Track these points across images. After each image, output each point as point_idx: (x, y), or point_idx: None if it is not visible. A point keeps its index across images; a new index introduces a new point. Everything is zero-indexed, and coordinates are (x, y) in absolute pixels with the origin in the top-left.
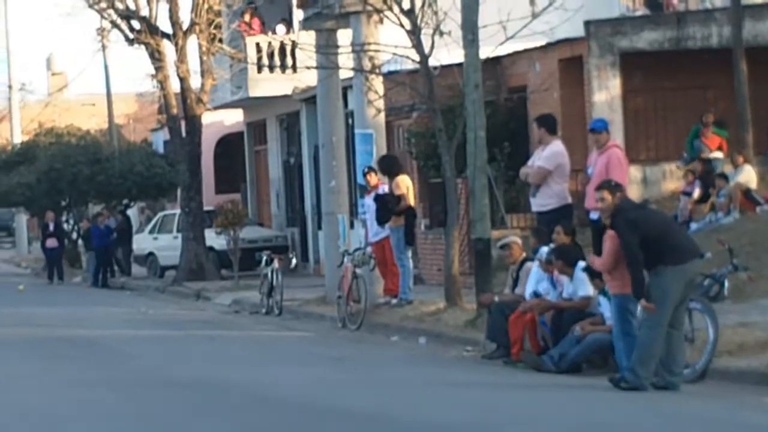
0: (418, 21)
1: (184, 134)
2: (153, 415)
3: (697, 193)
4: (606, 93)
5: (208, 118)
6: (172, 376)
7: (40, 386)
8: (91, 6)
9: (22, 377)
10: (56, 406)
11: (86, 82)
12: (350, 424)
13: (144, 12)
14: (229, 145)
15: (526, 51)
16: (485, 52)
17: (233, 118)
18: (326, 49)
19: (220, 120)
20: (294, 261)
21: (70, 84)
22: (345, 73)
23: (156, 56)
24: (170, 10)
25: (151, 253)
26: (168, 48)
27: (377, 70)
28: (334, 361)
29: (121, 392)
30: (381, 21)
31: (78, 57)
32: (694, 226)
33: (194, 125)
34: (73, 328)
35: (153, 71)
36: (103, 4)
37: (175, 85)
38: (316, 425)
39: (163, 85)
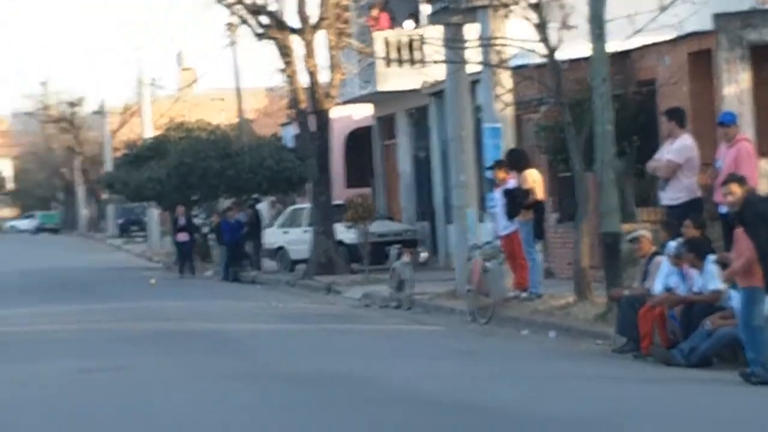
0: (545, 15)
1: (313, 129)
2: (283, 408)
3: None
4: (735, 86)
5: (337, 112)
6: (301, 370)
7: (170, 380)
8: (219, 1)
9: (153, 371)
10: (187, 399)
11: (215, 77)
12: (478, 417)
13: (272, 7)
14: (359, 139)
15: (654, 45)
16: (613, 45)
17: (363, 113)
18: (453, 43)
19: (350, 114)
20: (424, 255)
21: (199, 79)
22: (473, 68)
23: (284, 51)
24: (298, 5)
25: (281, 247)
26: (296, 43)
27: (504, 64)
28: (463, 355)
29: (252, 386)
30: (507, 15)
31: (207, 53)
32: None
33: (323, 120)
34: (204, 322)
35: (282, 66)
36: (232, 0)
37: (303, 80)
38: (443, 419)
39: (291, 80)
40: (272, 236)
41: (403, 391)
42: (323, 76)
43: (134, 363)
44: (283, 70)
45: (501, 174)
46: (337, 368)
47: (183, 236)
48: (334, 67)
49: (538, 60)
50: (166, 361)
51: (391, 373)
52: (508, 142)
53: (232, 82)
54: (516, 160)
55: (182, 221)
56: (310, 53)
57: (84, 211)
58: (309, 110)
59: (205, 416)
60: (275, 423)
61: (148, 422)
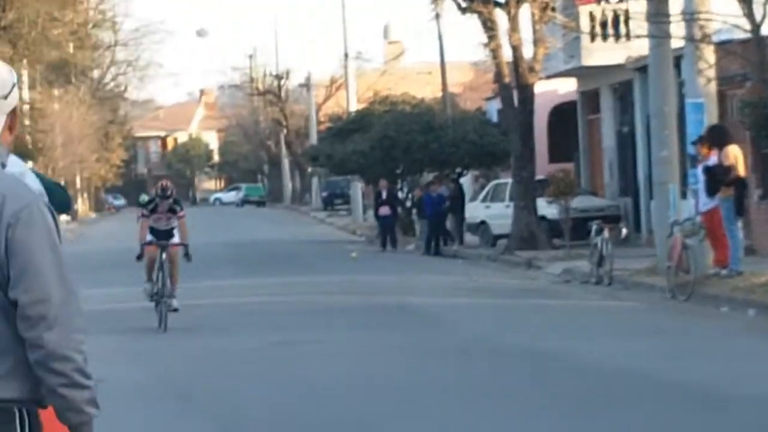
0: None
1: (516, 103)
2: (481, 383)
3: None
4: None
5: (541, 87)
6: (499, 345)
7: (367, 353)
8: None
9: (350, 344)
10: (386, 374)
11: (422, 50)
12: (674, 395)
13: None
14: (563, 114)
15: None
16: None
17: (567, 87)
18: (657, 17)
19: (554, 89)
20: (624, 231)
21: (405, 52)
22: (677, 42)
23: (488, 25)
24: None
25: (483, 222)
26: (500, 17)
27: (708, 39)
28: (661, 332)
29: (450, 361)
30: None
31: (414, 26)
32: None
33: (526, 94)
34: (403, 296)
35: (485, 40)
36: None
37: (507, 54)
38: (637, 396)
39: (495, 54)
40: (474, 210)
41: (595, 366)
42: (527, 51)
43: (332, 336)
44: (486, 44)
45: (704, 149)
46: (533, 343)
47: (385, 210)
48: (537, 41)
49: (743, 35)
50: (363, 334)
51: (587, 349)
52: (711, 117)
53: (439, 55)
54: (717, 136)
55: (384, 195)
56: (514, 27)
57: (289, 184)
58: (512, 85)
59: (402, 389)
60: (474, 397)
61: (343, 394)
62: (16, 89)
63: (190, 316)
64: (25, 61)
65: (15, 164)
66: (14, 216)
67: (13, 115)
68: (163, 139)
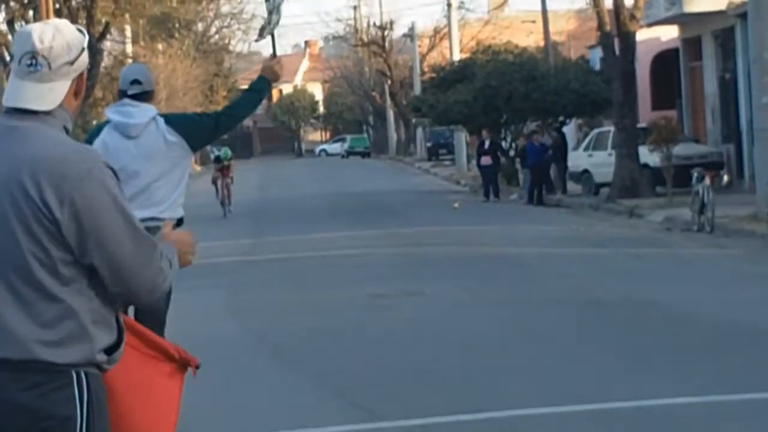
0: None
1: (618, 51)
2: (578, 333)
3: None
4: None
5: (643, 34)
6: (598, 295)
7: (463, 304)
8: None
9: (446, 295)
10: (477, 323)
11: None
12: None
13: None
14: (665, 61)
15: None
16: None
17: (669, 35)
18: None
19: (657, 36)
20: (726, 177)
21: (509, 1)
22: None
23: None
24: None
25: (585, 171)
26: None
27: None
28: (760, 279)
29: (542, 311)
30: None
31: None
32: None
33: (628, 42)
34: (503, 246)
35: None
36: None
37: (609, 2)
38: (738, 344)
39: (596, 1)
40: (577, 159)
41: (694, 315)
42: None
43: (430, 288)
44: None
45: None
46: (633, 293)
47: (487, 160)
48: None
49: None
50: (461, 285)
51: (687, 298)
52: None
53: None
54: None
55: (486, 145)
56: None
57: (393, 135)
58: (614, 33)
59: (498, 340)
60: (571, 348)
61: (438, 345)
62: (85, 53)
63: (288, 269)
64: (127, 15)
65: (147, 111)
66: (77, 178)
67: (80, 79)
68: None
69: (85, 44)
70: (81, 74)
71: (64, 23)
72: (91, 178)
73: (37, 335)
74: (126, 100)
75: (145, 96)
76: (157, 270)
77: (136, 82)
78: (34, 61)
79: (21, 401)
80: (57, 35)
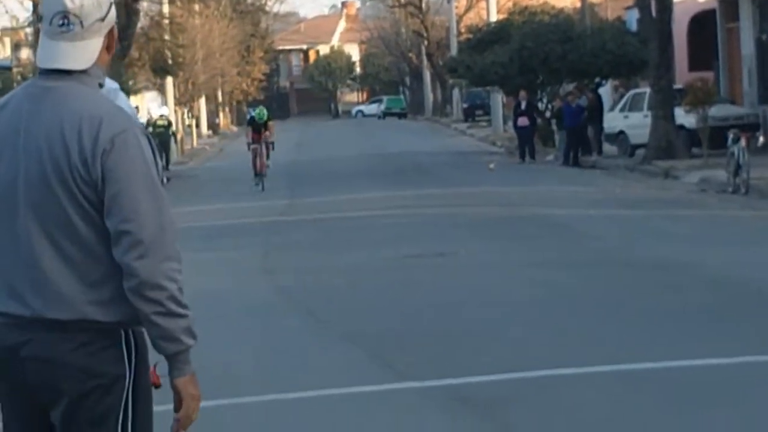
0: None
1: (654, 12)
2: (604, 295)
3: None
4: None
5: None
6: (631, 257)
7: (495, 265)
8: None
9: (478, 256)
10: (510, 284)
11: None
12: None
13: None
14: (702, 22)
15: None
16: None
17: None
18: None
19: None
20: (762, 139)
21: None
22: None
23: None
24: None
25: (621, 132)
26: None
27: None
28: None
29: (575, 272)
30: None
31: None
32: None
33: (664, 3)
34: (538, 207)
35: None
36: None
37: None
38: (761, 307)
39: None
40: (613, 120)
41: (724, 277)
42: None
43: (461, 248)
44: None
45: None
46: (666, 255)
47: (523, 121)
48: None
49: None
50: (492, 246)
51: (721, 260)
52: None
53: None
54: None
55: (523, 105)
56: None
57: (430, 96)
58: None
59: (525, 305)
60: (601, 308)
61: (471, 306)
62: (113, 8)
63: (323, 230)
64: None
65: (107, 82)
66: (110, 141)
67: (111, 35)
68: (305, 52)
69: None
70: (111, 29)
71: None
72: (124, 141)
73: (86, 295)
74: None
75: None
76: (172, 252)
77: None
78: (66, 21)
79: (71, 361)
80: None
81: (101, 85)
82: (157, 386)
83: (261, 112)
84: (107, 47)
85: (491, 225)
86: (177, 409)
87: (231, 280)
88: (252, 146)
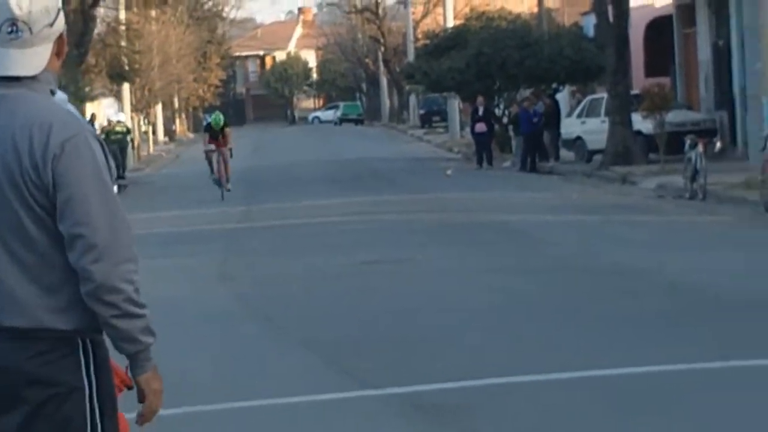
0: None
1: (611, 18)
2: (562, 301)
3: None
4: None
5: (637, 1)
6: (589, 263)
7: (455, 272)
8: None
9: (435, 263)
10: (468, 291)
11: None
12: (758, 311)
13: None
14: (659, 28)
15: None
16: None
17: (663, 1)
18: None
19: (651, 3)
20: (718, 144)
21: None
22: None
23: None
24: None
25: (578, 137)
26: None
27: None
28: (752, 246)
29: (533, 278)
30: None
31: None
32: None
33: (622, 8)
34: (495, 213)
35: None
36: None
37: None
38: (725, 313)
39: None
40: (570, 126)
41: (681, 282)
42: None
43: (418, 255)
44: None
45: None
46: (620, 260)
47: (480, 127)
48: None
49: None
50: (450, 252)
51: (679, 266)
52: None
53: None
54: None
55: (480, 111)
56: None
57: (387, 102)
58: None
59: (481, 311)
60: (557, 313)
61: (428, 311)
62: (62, 14)
63: (280, 236)
64: None
65: (57, 94)
66: (60, 146)
67: (60, 41)
68: (262, 58)
69: (60, 4)
70: (60, 35)
71: None
72: (74, 146)
73: (42, 300)
74: None
75: None
76: (128, 254)
77: None
78: (14, 28)
79: (28, 369)
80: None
81: (53, 92)
82: (130, 387)
83: (217, 117)
84: (57, 53)
85: (448, 231)
86: (141, 401)
87: (188, 287)
88: (209, 153)
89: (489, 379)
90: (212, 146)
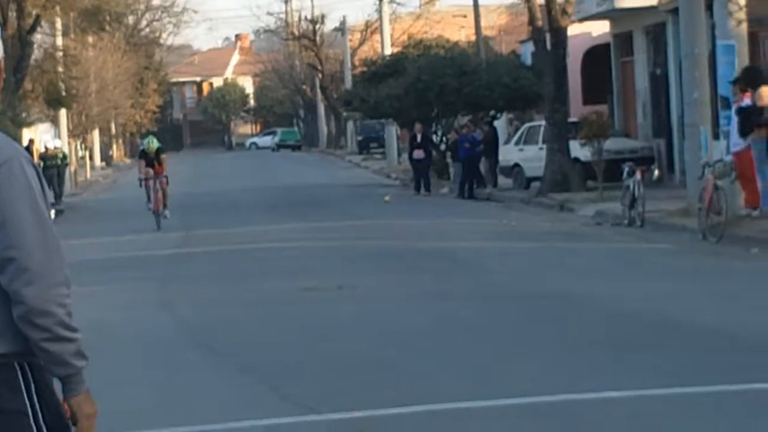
0: None
1: (549, 46)
2: (506, 326)
3: None
4: None
5: (575, 29)
6: (528, 290)
7: (391, 298)
8: None
9: (375, 289)
10: (409, 317)
11: None
12: (698, 338)
13: None
14: (596, 56)
15: None
16: None
17: (600, 30)
18: None
19: (588, 31)
20: (656, 172)
21: None
22: None
23: None
24: None
25: (516, 165)
26: None
27: None
28: (690, 273)
29: (474, 305)
30: None
31: None
32: None
33: (559, 37)
34: (434, 240)
35: None
36: None
37: None
38: (666, 339)
39: None
40: (508, 153)
41: (622, 309)
42: None
43: (362, 281)
44: None
45: (739, 90)
46: (560, 287)
47: (419, 153)
48: None
49: None
50: (390, 279)
51: (616, 292)
52: (742, 59)
53: None
54: (752, 78)
55: (419, 138)
56: None
57: (324, 128)
58: (545, 28)
59: (423, 337)
60: (498, 340)
61: (369, 338)
62: (0, 43)
63: (219, 262)
64: (58, 8)
65: None
66: None
67: None
68: (199, 85)
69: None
70: None
71: None
72: (9, 170)
73: None
74: None
75: None
76: (60, 277)
77: None
78: None
79: None
80: None
81: None
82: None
83: (150, 141)
84: None
85: (388, 257)
86: (74, 424)
87: (127, 314)
88: (147, 182)
89: (432, 405)
90: (150, 172)
